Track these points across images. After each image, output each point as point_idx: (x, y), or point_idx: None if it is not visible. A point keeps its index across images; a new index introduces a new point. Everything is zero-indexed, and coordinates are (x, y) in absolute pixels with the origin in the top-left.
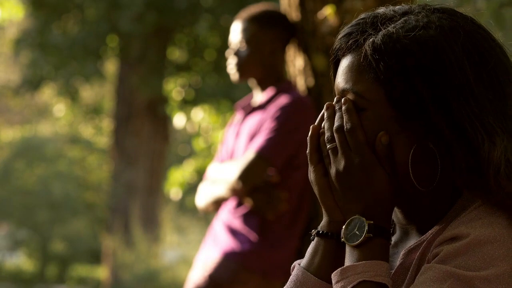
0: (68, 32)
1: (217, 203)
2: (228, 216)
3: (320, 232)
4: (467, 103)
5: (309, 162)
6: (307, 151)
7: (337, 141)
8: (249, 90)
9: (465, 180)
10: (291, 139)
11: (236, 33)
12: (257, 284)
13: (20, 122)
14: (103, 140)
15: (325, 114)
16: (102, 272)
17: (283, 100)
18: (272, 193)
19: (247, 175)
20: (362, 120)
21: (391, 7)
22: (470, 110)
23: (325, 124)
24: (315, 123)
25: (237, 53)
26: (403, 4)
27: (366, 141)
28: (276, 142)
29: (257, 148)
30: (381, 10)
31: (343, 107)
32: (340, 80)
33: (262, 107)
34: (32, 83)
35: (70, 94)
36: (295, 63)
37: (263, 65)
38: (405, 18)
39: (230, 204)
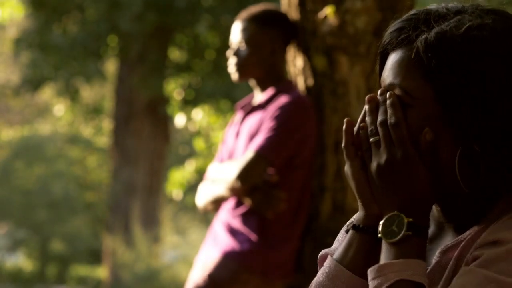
0: (68, 32)
1: (217, 203)
2: (228, 215)
3: (356, 225)
4: None
5: (345, 157)
6: (342, 145)
7: (380, 134)
8: (249, 90)
9: (508, 183)
10: (291, 138)
11: (236, 33)
12: (257, 284)
13: (20, 122)
14: (103, 140)
15: (367, 108)
16: (102, 272)
17: (283, 99)
18: (271, 192)
19: (246, 175)
20: (407, 116)
21: (443, 5)
22: None
23: (367, 118)
24: (360, 117)
25: (237, 53)
26: (455, 3)
27: (410, 137)
28: (276, 141)
29: (257, 148)
30: (434, 7)
31: (388, 101)
32: (388, 74)
33: (262, 106)
34: (32, 83)
35: (70, 94)
36: (295, 63)
37: (263, 65)
38: (458, 17)
39: (230, 203)
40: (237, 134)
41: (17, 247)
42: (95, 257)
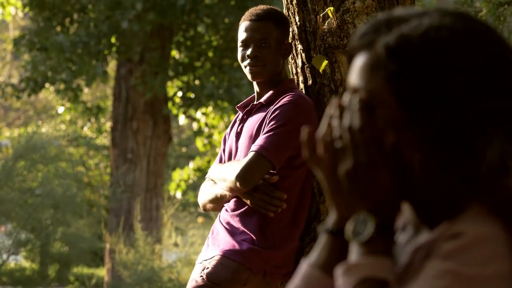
0: (70, 32)
1: (218, 203)
2: (228, 215)
3: (330, 229)
4: (475, 106)
5: (313, 166)
6: (305, 156)
7: (345, 139)
8: (250, 90)
9: (464, 181)
10: (292, 139)
11: (252, 32)
12: (257, 284)
13: (22, 122)
14: (103, 140)
15: (333, 113)
16: (102, 272)
17: (284, 99)
18: (271, 192)
19: (247, 176)
20: (371, 119)
21: (407, 9)
22: (477, 114)
23: (333, 123)
24: (323, 123)
25: (258, 52)
26: (417, 7)
27: (375, 140)
28: (277, 142)
29: (258, 149)
30: (397, 11)
31: (353, 106)
32: (353, 78)
33: (263, 106)
34: (33, 83)
35: (72, 93)
36: (295, 63)
37: (279, 64)
38: (419, 20)
39: (231, 203)
40: (238, 134)
41: (18, 248)
42: (95, 257)
